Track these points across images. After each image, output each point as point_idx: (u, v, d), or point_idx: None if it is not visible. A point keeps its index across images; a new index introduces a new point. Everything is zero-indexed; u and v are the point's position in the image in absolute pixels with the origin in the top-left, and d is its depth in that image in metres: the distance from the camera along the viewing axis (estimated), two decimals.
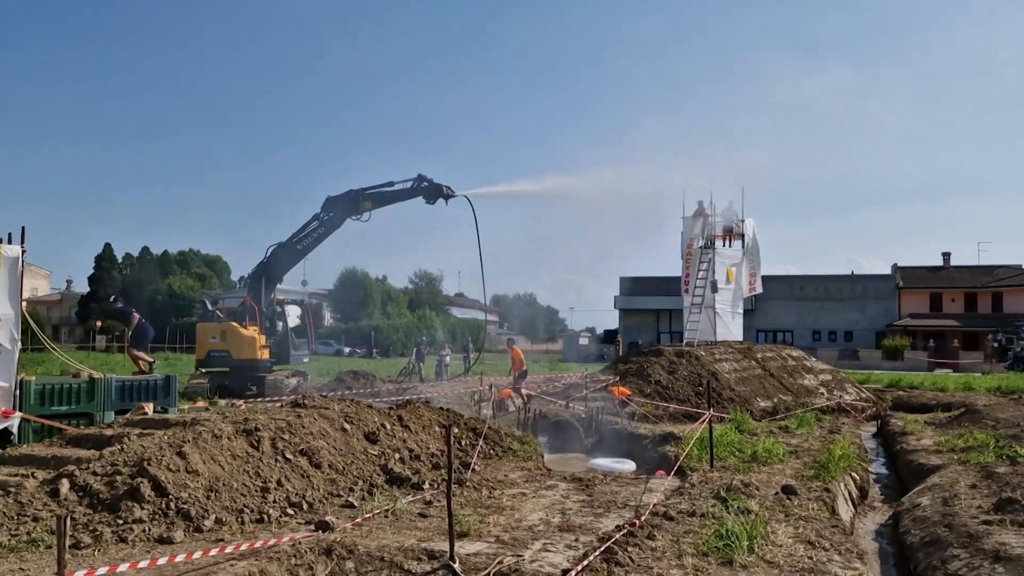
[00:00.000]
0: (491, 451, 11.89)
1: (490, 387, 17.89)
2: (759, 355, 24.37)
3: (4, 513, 6.94)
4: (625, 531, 6.92)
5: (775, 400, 20.64)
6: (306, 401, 11.25)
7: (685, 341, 25.07)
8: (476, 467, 10.49)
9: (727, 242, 28.12)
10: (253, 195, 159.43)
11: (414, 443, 10.78)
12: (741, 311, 29.59)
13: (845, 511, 9.66)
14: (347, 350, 61.67)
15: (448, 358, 33.45)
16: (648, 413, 17.37)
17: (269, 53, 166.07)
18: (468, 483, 9.57)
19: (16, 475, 8.08)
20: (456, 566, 6.13)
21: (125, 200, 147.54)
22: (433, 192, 21.57)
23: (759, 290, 30.90)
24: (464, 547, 6.71)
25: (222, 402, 15.69)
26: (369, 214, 21.88)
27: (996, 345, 43.89)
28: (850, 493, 10.77)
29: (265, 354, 22.14)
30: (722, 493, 8.66)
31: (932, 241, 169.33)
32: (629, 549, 6.46)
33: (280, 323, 23.44)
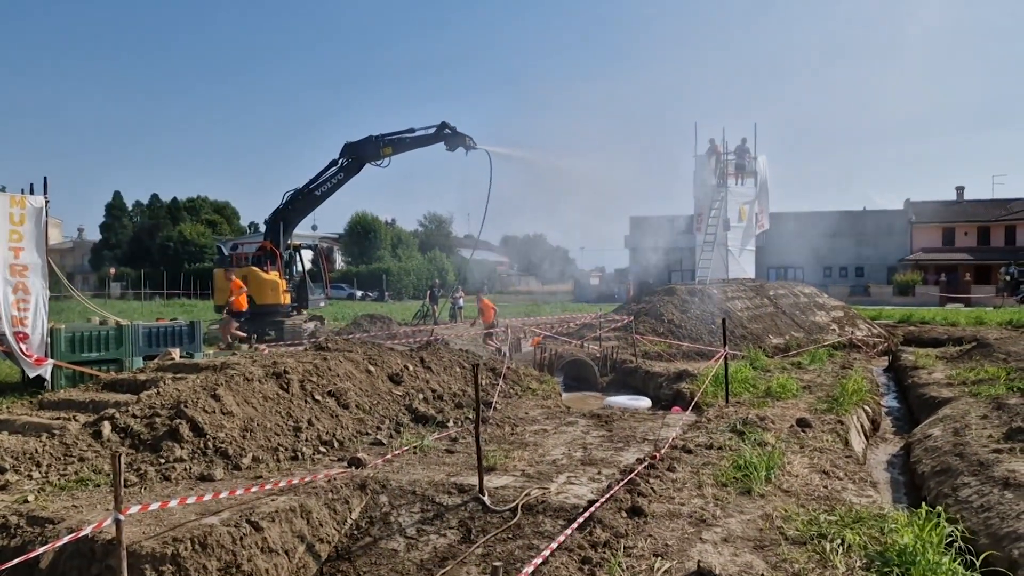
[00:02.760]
0: (510, 390, 12.19)
1: (505, 328, 18.15)
2: (771, 292, 24.53)
3: (51, 454, 7.24)
4: (646, 464, 7.18)
5: (787, 337, 20.87)
6: (330, 344, 11.52)
7: (697, 279, 25.23)
8: (497, 406, 10.78)
9: (739, 180, 28.02)
10: (260, 141, 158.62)
11: (436, 384, 11.07)
12: (753, 249, 29.65)
13: (858, 443, 9.94)
14: (359, 294, 62.12)
15: (462, 300, 33.68)
16: (662, 352, 17.63)
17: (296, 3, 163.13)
18: (491, 421, 9.86)
19: (58, 418, 8.39)
20: (486, 498, 6.41)
21: (134, 148, 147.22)
22: (455, 140, 21.73)
23: (767, 227, 30.88)
24: (492, 481, 6.99)
25: (245, 347, 15.99)
26: (388, 160, 22.01)
27: (1008, 279, 43.86)
28: (862, 425, 11.03)
29: (287, 298, 22.42)
30: (738, 427, 8.92)
31: (947, 175, 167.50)
32: (651, 481, 6.72)
33: (297, 268, 23.70)
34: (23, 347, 11.23)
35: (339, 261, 76.15)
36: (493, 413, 10.34)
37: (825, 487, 6.86)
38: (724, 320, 12.20)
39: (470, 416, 9.91)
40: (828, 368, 15.70)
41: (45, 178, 11.99)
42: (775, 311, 22.86)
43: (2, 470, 6.91)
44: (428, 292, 33.66)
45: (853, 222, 58.56)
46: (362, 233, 75.02)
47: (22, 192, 11.94)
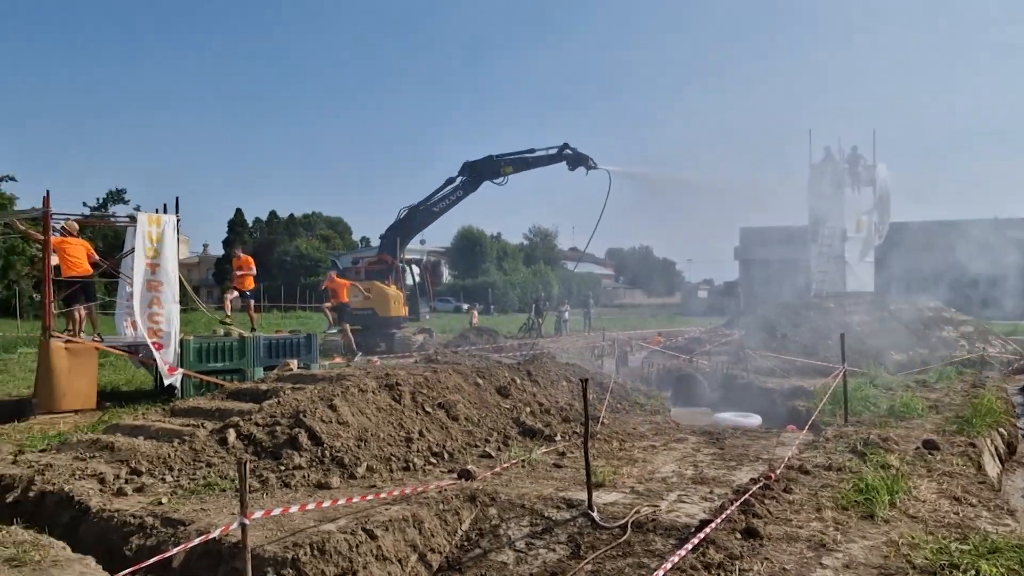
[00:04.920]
0: (617, 405, 12.09)
1: (612, 342, 18.03)
2: (892, 306, 23.40)
3: (182, 459, 7.67)
4: (761, 484, 6.96)
5: (910, 353, 19.85)
6: (439, 357, 11.74)
7: (813, 293, 24.36)
8: (605, 420, 10.70)
9: (856, 189, 26.91)
10: (371, 158, 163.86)
11: (543, 397, 11.10)
12: (872, 260, 28.38)
13: (992, 467, 9.32)
14: (465, 306, 63.04)
15: (567, 313, 33.67)
16: (775, 367, 17.09)
17: (394, 16, 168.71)
18: (599, 436, 9.80)
19: (188, 425, 8.87)
20: (595, 514, 6.37)
21: (254, 168, 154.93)
22: (576, 161, 22.32)
23: (881, 240, 29.50)
24: (600, 497, 6.93)
25: (358, 358, 16.49)
26: (506, 178, 22.64)
27: None
28: (997, 449, 10.35)
29: (405, 311, 23.14)
30: (859, 447, 8.53)
31: None
32: (766, 502, 6.51)
33: (407, 281, 24.39)
34: (159, 357, 11.96)
35: (446, 274, 77.67)
36: (601, 428, 10.27)
37: (956, 514, 6.47)
38: (843, 335, 11.73)
39: (577, 430, 9.88)
40: (957, 387, 14.82)
41: (176, 198, 12.78)
42: (897, 326, 21.78)
43: (139, 473, 7.37)
44: (533, 305, 33.83)
45: (984, 231, 55.04)
46: (468, 247, 76.17)
47: (156, 211, 12.76)
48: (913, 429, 10.15)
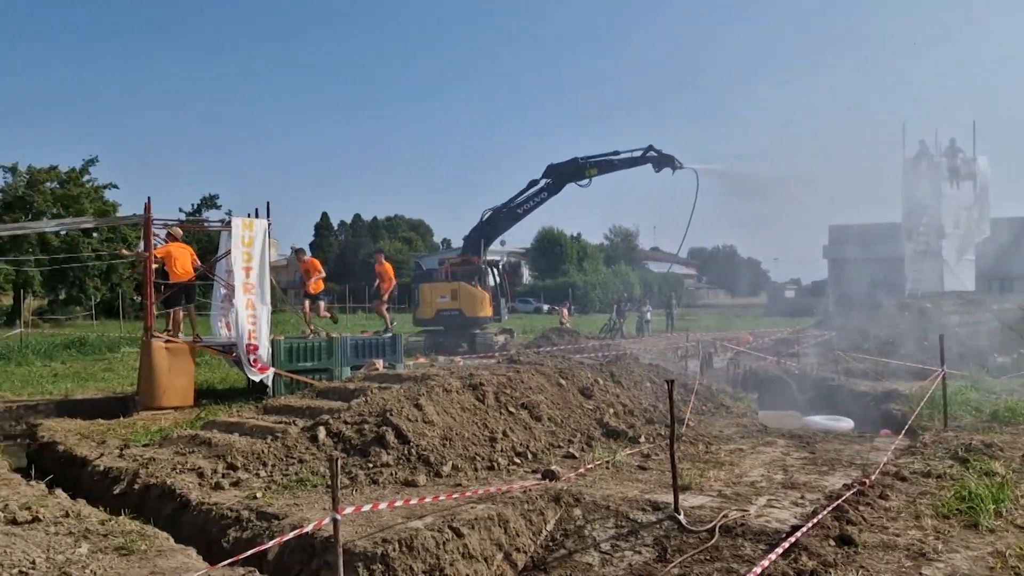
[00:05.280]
0: (703, 407, 11.89)
1: (696, 343, 17.74)
2: (994, 306, 22.28)
3: (275, 455, 7.93)
4: (855, 490, 6.73)
5: (1015, 356, 18.85)
6: (521, 357, 11.78)
7: (908, 292, 23.44)
8: (690, 423, 10.54)
9: (955, 183, 25.74)
10: (451, 161, 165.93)
11: (627, 398, 11.01)
12: (972, 258, 27.09)
13: None
14: (546, 307, 63.09)
15: (649, 314, 33.32)
16: (867, 369, 16.50)
17: (481, 27, 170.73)
18: (683, 438, 9.65)
19: (280, 422, 9.17)
20: (681, 517, 6.28)
21: (339, 172, 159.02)
22: (662, 162, 22.27)
23: (987, 233, 28.10)
24: (687, 500, 6.83)
25: (441, 358, 16.72)
26: (590, 180, 22.76)
27: None
28: None
29: (490, 311, 23.42)
30: (960, 453, 8.16)
31: None
32: (860, 508, 6.29)
33: (490, 282, 24.66)
34: (252, 357, 12.40)
35: (526, 275, 77.96)
36: (686, 430, 10.12)
37: None
38: (941, 337, 11.23)
39: (661, 432, 9.76)
40: None
41: (268, 203, 13.26)
42: (1000, 327, 20.72)
43: (235, 468, 7.65)
44: (615, 306, 33.61)
45: None
46: (548, 247, 76.20)
47: (248, 216, 13.23)
48: (1019, 435, 9.63)
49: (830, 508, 6.16)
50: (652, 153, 22.40)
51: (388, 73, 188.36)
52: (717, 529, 6.06)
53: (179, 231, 14.05)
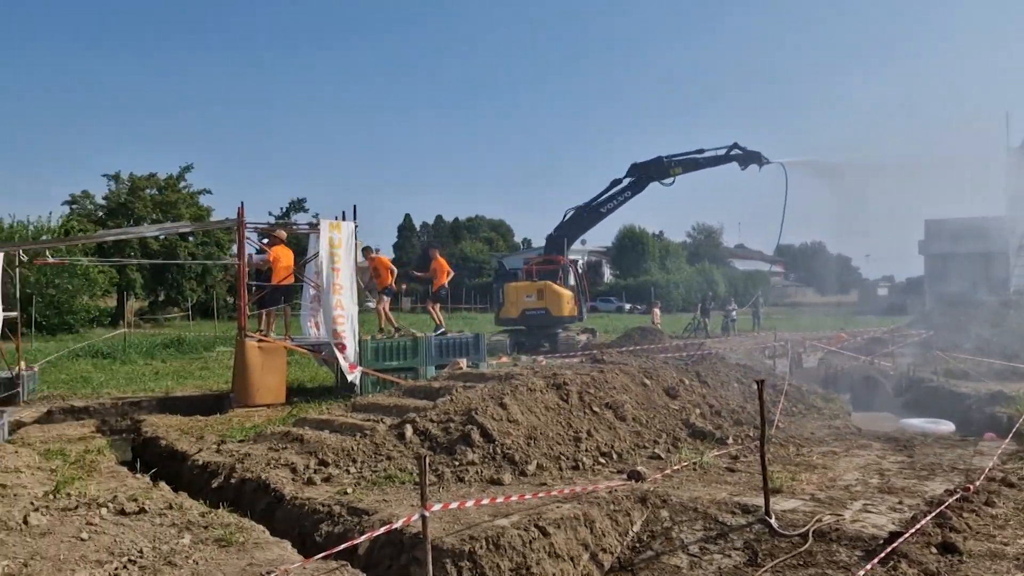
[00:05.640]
0: (792, 408, 11.58)
1: (785, 342, 17.29)
2: None
3: (364, 452, 8.10)
4: (958, 496, 6.44)
5: None
6: (605, 357, 11.71)
7: (1013, 289, 22.28)
8: (780, 424, 10.28)
9: None
10: (532, 161, 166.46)
11: (713, 398, 10.81)
12: None
13: None
14: (627, 306, 62.55)
15: (735, 313, 32.61)
16: (968, 370, 15.75)
17: (548, 16, 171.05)
18: (773, 440, 9.42)
19: (368, 420, 9.36)
20: (772, 521, 6.13)
21: (421, 174, 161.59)
22: (747, 159, 22.08)
23: None
24: (778, 503, 6.66)
25: (524, 358, 16.77)
26: (674, 179, 22.75)
27: None
28: None
29: (576, 311, 23.54)
30: None
31: None
32: (964, 515, 6.02)
33: (570, 281, 24.69)
34: (341, 356, 12.71)
35: (607, 274, 77.44)
36: (775, 432, 9.88)
37: None
38: None
39: (750, 434, 9.55)
40: None
41: (355, 205, 13.56)
42: None
43: (326, 464, 7.86)
44: (699, 304, 33.05)
45: None
46: (630, 246, 75.48)
47: (336, 218, 13.56)
48: None
49: (932, 514, 5.90)
50: (737, 151, 22.25)
51: (469, 73, 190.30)
52: (810, 534, 5.89)
53: (283, 233, 14.51)
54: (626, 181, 23.41)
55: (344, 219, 13.56)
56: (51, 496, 6.36)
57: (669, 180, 22.84)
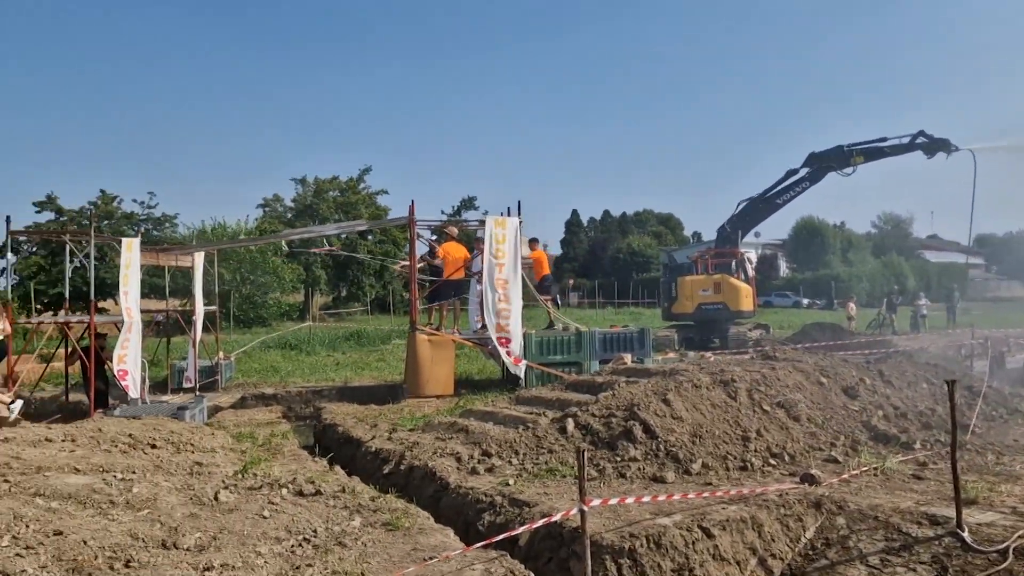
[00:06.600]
0: (992, 412, 10.51)
1: (984, 340, 15.77)
2: None
3: (526, 444, 8.17)
4: None
5: None
6: (777, 353, 11.17)
7: None
8: (976, 429, 9.36)
9: None
10: (701, 152, 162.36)
11: (898, 400, 10.03)
12: None
13: None
14: (805, 301, 59.44)
15: (925, 308, 30.18)
16: None
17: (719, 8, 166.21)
18: (968, 446, 8.59)
19: (531, 413, 9.44)
20: (965, 534, 5.57)
21: (589, 170, 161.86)
22: (933, 147, 20.81)
23: None
24: (972, 516, 6.05)
25: (691, 354, 16.35)
26: (855, 168, 21.87)
27: None
28: None
29: (753, 305, 23.02)
30: None
31: None
32: None
33: (749, 274, 24.08)
34: (505, 350, 12.92)
35: (782, 268, 74.05)
36: (971, 438, 9.00)
37: None
38: None
39: (941, 439, 8.76)
40: None
41: (519, 201, 13.76)
42: None
43: (489, 455, 8.00)
44: (885, 299, 30.88)
45: None
46: (808, 238, 71.69)
47: (501, 214, 13.78)
48: None
49: None
50: (923, 139, 20.85)
51: (637, 70, 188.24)
52: (1011, 550, 5.30)
53: (455, 230, 15.00)
54: (803, 171, 22.65)
55: (509, 215, 13.76)
56: (239, 475, 6.88)
57: (849, 169, 21.84)
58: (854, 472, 7.56)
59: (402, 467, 8.17)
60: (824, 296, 58.65)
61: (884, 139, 21.86)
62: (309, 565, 4.75)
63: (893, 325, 28.48)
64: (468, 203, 63.69)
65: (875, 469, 7.68)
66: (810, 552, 5.97)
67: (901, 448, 8.64)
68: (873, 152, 21.89)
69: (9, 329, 9.71)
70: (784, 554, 5.92)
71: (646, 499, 5.90)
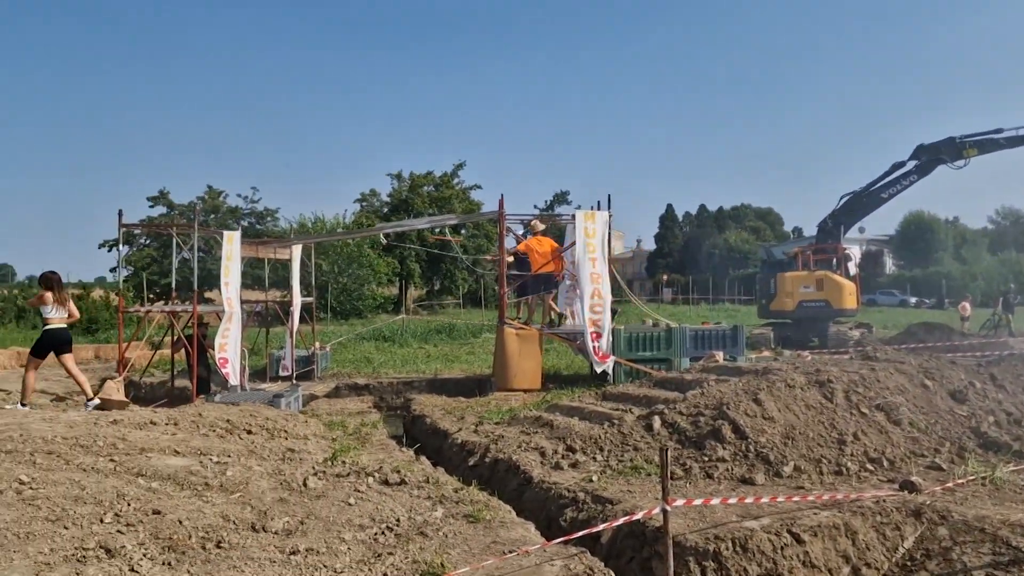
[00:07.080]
0: None
1: None
2: None
3: (611, 441, 8.07)
4: None
5: None
6: (878, 354, 10.68)
7: None
8: None
9: None
10: (803, 144, 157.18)
11: (1012, 405, 9.41)
12: None
13: None
14: (913, 300, 56.73)
15: None
16: None
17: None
18: None
19: (617, 409, 9.34)
20: None
21: (684, 165, 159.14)
22: None
23: None
24: None
25: (787, 352, 15.84)
26: (967, 161, 20.84)
27: None
28: None
29: (857, 304, 22.28)
30: None
31: None
32: None
33: (852, 271, 23.29)
34: (595, 345, 12.82)
35: (888, 265, 70.90)
36: None
37: None
38: None
39: None
40: None
41: (608, 195, 13.61)
42: None
43: (573, 450, 7.94)
44: (1001, 299, 29.13)
45: None
46: (917, 234, 68.40)
47: (591, 209, 13.68)
48: None
49: None
50: None
51: (731, 62, 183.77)
52: None
53: (540, 225, 14.98)
54: (911, 164, 21.66)
55: (599, 209, 13.64)
56: (328, 463, 7.05)
57: (961, 162, 20.73)
58: (959, 481, 7.15)
59: (487, 460, 8.21)
60: (934, 295, 55.79)
61: (1000, 130, 20.72)
62: (390, 553, 4.82)
63: (1010, 326, 26.83)
64: (561, 197, 63.63)
65: (983, 478, 7.23)
66: (908, 563, 5.67)
67: (1014, 457, 8.11)
68: (987, 144, 20.81)
69: (76, 314, 10.27)
70: (880, 564, 5.65)
71: (732, 501, 5.73)
